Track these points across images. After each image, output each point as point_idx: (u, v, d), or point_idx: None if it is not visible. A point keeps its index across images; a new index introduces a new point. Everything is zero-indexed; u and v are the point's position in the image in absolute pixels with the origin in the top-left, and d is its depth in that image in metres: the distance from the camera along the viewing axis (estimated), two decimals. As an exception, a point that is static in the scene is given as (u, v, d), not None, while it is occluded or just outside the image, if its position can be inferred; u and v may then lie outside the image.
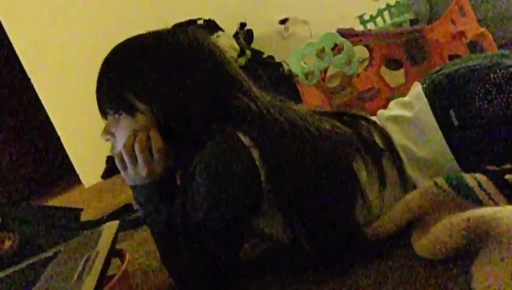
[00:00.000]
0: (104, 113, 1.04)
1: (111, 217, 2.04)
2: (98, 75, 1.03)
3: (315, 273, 0.98)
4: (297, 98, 2.26)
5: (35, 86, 3.36)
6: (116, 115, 1.01)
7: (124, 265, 1.05)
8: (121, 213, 2.09)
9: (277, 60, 3.34)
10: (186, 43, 1.02)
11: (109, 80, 1.01)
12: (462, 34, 2.04)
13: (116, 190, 2.76)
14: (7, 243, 1.56)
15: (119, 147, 1.02)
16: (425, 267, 0.87)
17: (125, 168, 1.02)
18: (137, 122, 1.00)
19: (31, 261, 1.18)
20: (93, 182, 3.41)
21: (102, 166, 3.33)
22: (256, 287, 1.04)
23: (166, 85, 0.99)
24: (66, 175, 3.87)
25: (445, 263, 0.85)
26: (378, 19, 2.82)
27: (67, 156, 3.46)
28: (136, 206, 1.92)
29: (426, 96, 1.06)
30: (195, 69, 1.00)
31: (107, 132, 1.04)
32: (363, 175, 1.02)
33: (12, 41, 3.33)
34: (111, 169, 3.25)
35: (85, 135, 3.18)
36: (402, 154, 1.05)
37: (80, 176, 3.50)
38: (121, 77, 1.00)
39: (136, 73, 1.00)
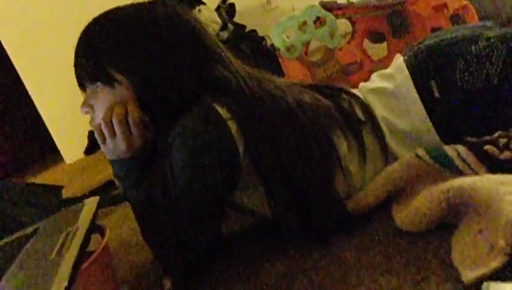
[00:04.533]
0: (82, 86, 1.03)
1: (93, 193, 2.02)
2: (76, 46, 1.01)
3: (296, 246, 0.98)
4: (280, 72, 2.25)
5: (14, 62, 3.30)
6: (95, 86, 1.00)
7: (104, 240, 1.03)
8: (104, 190, 2.08)
9: (260, 34, 3.30)
10: (165, 15, 1.01)
11: (87, 50, 1.00)
12: (444, 6, 2.04)
13: (99, 166, 2.74)
14: (-13, 221, 1.55)
15: (98, 119, 1.00)
16: (405, 239, 0.87)
17: (104, 141, 1.01)
18: (116, 94, 0.99)
19: (10, 239, 1.16)
20: (76, 159, 3.38)
21: (84, 142, 3.29)
22: (237, 261, 1.04)
23: (144, 56, 0.97)
24: (48, 152, 3.82)
25: (425, 235, 0.85)
26: (361, -8, 2.79)
27: (48, 133, 3.42)
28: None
29: (407, 68, 1.06)
30: (174, 41, 0.99)
31: (86, 104, 1.02)
32: (343, 148, 1.02)
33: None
34: (93, 145, 3.21)
35: (66, 110, 3.14)
36: (383, 127, 1.05)
37: (62, 153, 3.46)
38: (99, 47, 0.99)
39: (115, 44, 0.98)
